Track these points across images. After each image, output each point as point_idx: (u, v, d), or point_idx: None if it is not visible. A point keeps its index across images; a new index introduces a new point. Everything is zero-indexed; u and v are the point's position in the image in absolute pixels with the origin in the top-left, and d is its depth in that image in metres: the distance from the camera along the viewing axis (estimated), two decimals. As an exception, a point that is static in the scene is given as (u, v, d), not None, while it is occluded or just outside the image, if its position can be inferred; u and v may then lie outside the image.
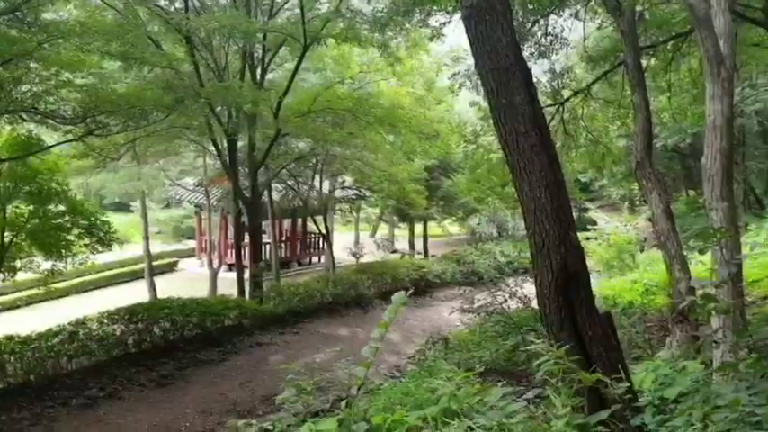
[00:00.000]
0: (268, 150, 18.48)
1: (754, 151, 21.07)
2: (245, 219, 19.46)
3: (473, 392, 5.07)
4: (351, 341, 16.11)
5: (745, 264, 12.26)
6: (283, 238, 28.64)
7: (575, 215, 40.89)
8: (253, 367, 14.21)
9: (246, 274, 19.16)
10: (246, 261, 19.79)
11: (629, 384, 2.81)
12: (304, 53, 16.90)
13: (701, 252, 5.35)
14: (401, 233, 36.48)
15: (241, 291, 18.76)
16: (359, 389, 2.33)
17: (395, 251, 29.88)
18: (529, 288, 10.66)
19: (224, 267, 24.35)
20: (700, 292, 5.17)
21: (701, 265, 9.39)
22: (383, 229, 38.77)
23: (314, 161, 22.65)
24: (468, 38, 3.90)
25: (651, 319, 10.99)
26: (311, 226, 26.93)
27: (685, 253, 8.38)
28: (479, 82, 11.10)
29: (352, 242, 29.46)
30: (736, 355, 4.96)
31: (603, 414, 2.71)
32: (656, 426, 4.86)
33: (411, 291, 2.50)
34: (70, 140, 13.96)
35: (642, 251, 23.75)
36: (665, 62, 14.71)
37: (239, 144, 19.16)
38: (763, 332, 4.20)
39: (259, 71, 18.83)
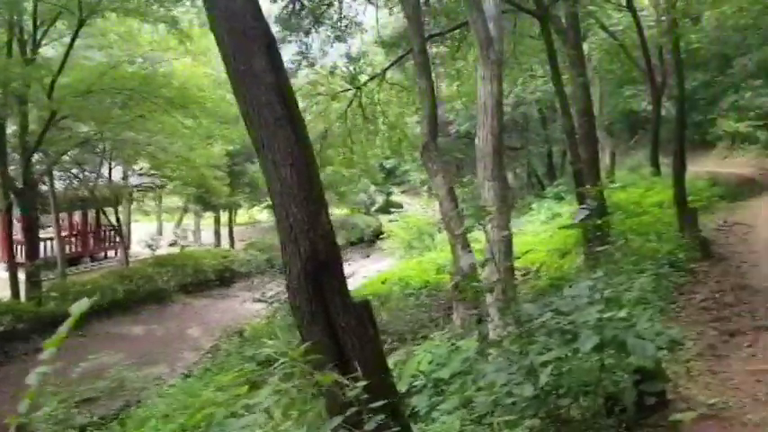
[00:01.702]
0: (42, 134, 16.47)
1: (536, 137, 22.82)
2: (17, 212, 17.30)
3: (242, 395, 4.68)
4: (145, 340, 15.03)
5: (522, 240, 13.08)
6: (73, 232, 26.01)
7: (381, 199, 41.75)
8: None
9: (22, 274, 17.03)
10: (22, 259, 17.62)
11: (366, 383, 2.55)
12: (80, 27, 15.40)
13: (468, 230, 5.41)
14: (207, 222, 34.95)
15: (15, 293, 16.65)
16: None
17: (173, 243, 27.78)
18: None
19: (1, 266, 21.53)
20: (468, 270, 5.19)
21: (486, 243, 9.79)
22: (189, 219, 36.88)
23: (101, 146, 20.71)
24: (204, -4, 3.42)
25: (442, 298, 11.32)
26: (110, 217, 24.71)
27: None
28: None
29: (155, 233, 27.55)
30: (504, 332, 5.04)
31: (336, 421, 2.41)
32: (427, 410, 4.79)
33: (94, 298, 1.98)
34: None
35: (441, 232, 24.87)
36: (453, 50, 15.27)
37: (11, 128, 16.93)
38: (525, 308, 4.22)
39: (30, 46, 16.69)
